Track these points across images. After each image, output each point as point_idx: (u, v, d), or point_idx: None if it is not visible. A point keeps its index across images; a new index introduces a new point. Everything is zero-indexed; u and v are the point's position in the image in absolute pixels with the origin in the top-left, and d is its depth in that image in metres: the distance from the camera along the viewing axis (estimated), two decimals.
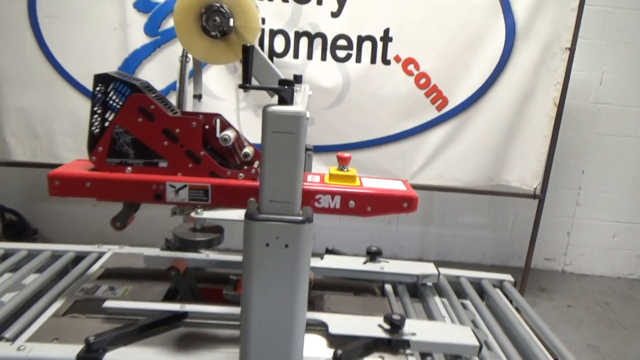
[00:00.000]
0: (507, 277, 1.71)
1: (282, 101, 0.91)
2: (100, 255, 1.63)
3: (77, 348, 1.09)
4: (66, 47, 2.53)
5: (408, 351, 1.18)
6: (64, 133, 2.63)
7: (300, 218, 0.93)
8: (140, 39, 2.53)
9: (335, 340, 1.17)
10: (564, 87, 2.64)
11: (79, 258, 1.61)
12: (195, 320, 1.23)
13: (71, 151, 2.66)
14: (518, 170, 2.80)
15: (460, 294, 1.59)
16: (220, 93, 2.58)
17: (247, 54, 0.91)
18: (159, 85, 2.35)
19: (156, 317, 1.19)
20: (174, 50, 2.55)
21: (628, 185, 3.58)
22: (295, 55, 2.57)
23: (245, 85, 0.92)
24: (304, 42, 2.58)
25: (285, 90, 0.89)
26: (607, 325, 3.02)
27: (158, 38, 2.53)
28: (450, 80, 2.67)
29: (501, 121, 2.71)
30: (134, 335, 1.15)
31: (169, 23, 2.51)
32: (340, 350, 1.11)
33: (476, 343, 1.19)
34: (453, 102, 2.69)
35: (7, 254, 1.60)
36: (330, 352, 1.12)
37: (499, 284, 1.68)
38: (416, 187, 2.76)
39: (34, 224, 3.42)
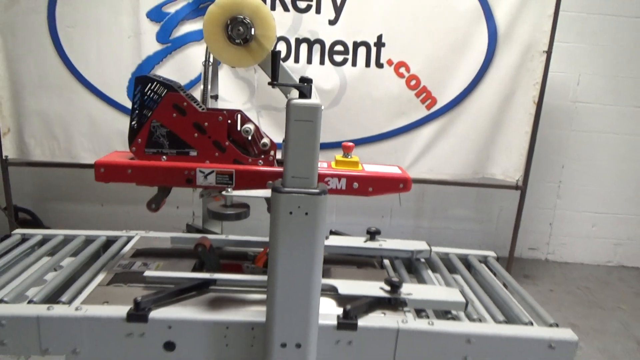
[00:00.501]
0: (491, 254, 1.92)
1: (302, 95, 1.12)
2: (129, 239, 1.81)
3: (126, 308, 1.28)
4: (83, 54, 2.70)
5: (406, 308, 1.39)
6: (81, 134, 2.80)
7: (317, 190, 1.14)
8: (152, 46, 2.71)
9: (343, 301, 1.37)
10: (542, 87, 2.87)
11: (109, 242, 1.80)
12: (222, 287, 1.43)
13: (88, 151, 2.83)
14: (501, 164, 3.03)
15: (450, 269, 1.80)
16: (227, 95, 2.76)
17: (275, 58, 1.12)
18: None
19: (190, 283, 1.39)
20: (184, 56, 2.74)
21: (605, 178, 3.83)
22: (296, 60, 2.78)
23: (274, 82, 1.13)
24: (304, 47, 2.78)
25: (305, 86, 1.10)
26: (587, 307, 3.25)
27: (169, 45, 2.72)
28: (439, 81, 2.87)
29: (485, 118, 2.93)
30: (172, 297, 1.35)
31: (179, 31, 2.70)
32: (349, 305, 1.32)
33: (463, 300, 1.40)
34: (441, 102, 2.90)
35: (45, 239, 1.79)
36: (340, 310, 1.33)
37: (484, 259, 1.90)
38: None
39: (46, 222, 3.59)
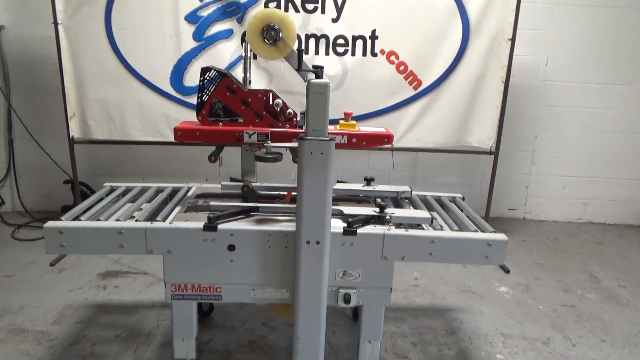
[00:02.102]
0: (458, 195, 2.55)
1: (317, 77, 1.75)
2: (189, 189, 2.45)
3: (201, 224, 1.91)
4: (134, 51, 3.30)
5: (390, 223, 2.02)
6: (133, 116, 3.42)
7: (328, 138, 1.77)
8: (189, 44, 3.31)
9: (347, 220, 1.99)
10: (508, 69, 3.46)
11: (174, 191, 2.44)
12: (263, 213, 2.07)
13: (139, 130, 3.45)
14: (477, 134, 3.63)
15: (428, 206, 2.42)
16: (253, 81, 3.36)
17: (300, 54, 1.75)
18: None
19: (240, 208, 2.03)
20: (215, 50, 3.34)
21: (573, 146, 4.41)
22: (306, 52, 3.35)
23: (299, 69, 1.76)
24: (312, 41, 3.37)
25: (319, 71, 1.73)
26: (552, 252, 3.87)
27: (203, 42, 3.32)
28: (423, 66, 3.44)
29: (462, 96, 3.51)
30: (231, 217, 1.98)
31: (211, 31, 3.30)
32: (350, 219, 1.95)
33: (429, 217, 2.04)
34: (425, 83, 3.48)
35: (127, 190, 2.43)
36: (345, 224, 1.96)
37: (453, 199, 2.53)
38: (401, 149, 3.62)
39: None
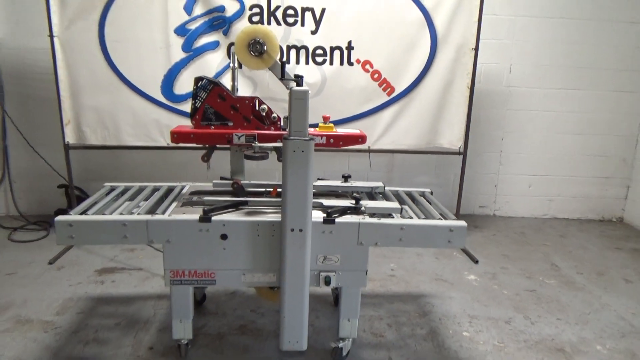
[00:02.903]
0: (427, 190, 2.83)
1: (298, 84, 2.01)
2: (183, 187, 2.68)
3: (197, 216, 2.15)
4: (127, 61, 3.50)
5: (365, 214, 2.28)
6: (125, 123, 3.61)
7: (308, 138, 2.02)
8: (179, 55, 3.52)
9: (326, 211, 2.25)
10: (473, 76, 3.75)
11: (169, 189, 2.67)
12: (251, 206, 2.32)
13: (131, 136, 3.65)
14: (447, 136, 3.91)
15: (399, 200, 2.70)
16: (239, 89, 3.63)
17: (283, 65, 2.01)
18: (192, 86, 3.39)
19: (232, 202, 2.28)
20: (203, 61, 3.56)
21: (537, 147, 4.75)
22: (288, 62, 3.59)
23: (282, 78, 2.02)
24: (293, 52, 3.61)
25: (299, 80, 1.99)
26: (519, 244, 4.18)
27: (191, 53, 3.55)
28: (395, 74, 3.71)
29: (432, 101, 3.79)
30: (223, 209, 2.22)
31: (199, 43, 3.52)
32: (329, 210, 2.21)
33: (399, 207, 2.31)
34: (398, 90, 3.74)
35: (126, 189, 2.66)
36: (324, 215, 2.21)
37: (422, 194, 2.80)
38: (377, 151, 3.90)
39: None
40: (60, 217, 2.11)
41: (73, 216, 2.15)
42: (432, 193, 2.81)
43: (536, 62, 4.53)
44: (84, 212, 2.23)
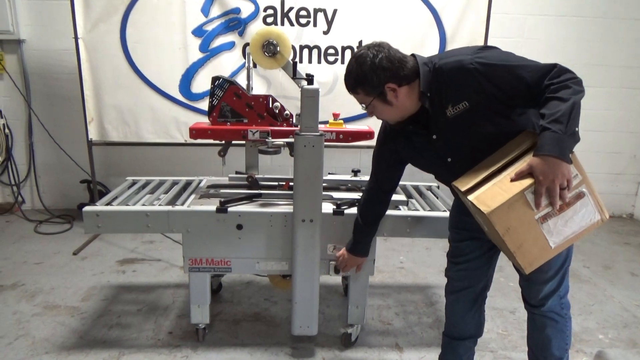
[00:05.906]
0: (434, 184, 2.94)
1: (309, 83, 2.13)
2: (201, 180, 2.83)
3: (214, 207, 2.28)
4: (147, 62, 3.66)
5: None
6: (145, 120, 3.77)
7: (319, 133, 2.15)
8: (196, 55, 3.68)
9: (336, 203, 2.37)
10: None
11: (188, 183, 2.82)
12: (266, 199, 2.44)
13: (151, 133, 3.82)
14: None
15: (407, 194, 2.81)
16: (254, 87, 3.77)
17: (295, 65, 2.14)
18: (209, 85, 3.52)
19: (247, 195, 2.41)
20: (219, 61, 3.71)
21: None
22: (300, 61, 3.73)
23: (294, 77, 2.14)
24: (305, 52, 3.74)
25: (311, 79, 2.11)
26: None
27: (208, 54, 3.70)
28: None
29: None
30: (239, 201, 2.35)
31: (215, 43, 3.67)
32: (339, 202, 2.33)
33: (405, 199, 2.42)
34: None
35: (147, 183, 2.81)
36: (334, 206, 2.33)
37: (429, 188, 2.91)
38: None
39: None
40: (87, 208, 2.27)
41: (100, 207, 2.30)
42: (438, 187, 2.91)
43: (547, 60, 4.56)
44: (108, 204, 2.39)
